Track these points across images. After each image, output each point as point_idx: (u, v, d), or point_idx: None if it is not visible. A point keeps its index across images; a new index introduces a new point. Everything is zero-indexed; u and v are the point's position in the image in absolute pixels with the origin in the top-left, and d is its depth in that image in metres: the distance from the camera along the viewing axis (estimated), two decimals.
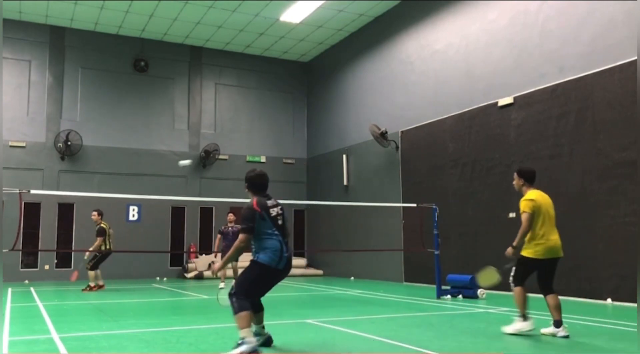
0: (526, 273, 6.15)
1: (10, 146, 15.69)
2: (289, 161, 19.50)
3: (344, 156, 17.19)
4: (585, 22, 10.05)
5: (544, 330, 6.05)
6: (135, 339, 5.91)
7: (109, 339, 5.94)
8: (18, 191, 8.45)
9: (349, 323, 6.84)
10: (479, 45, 12.47)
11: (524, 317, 5.99)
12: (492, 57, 12.10)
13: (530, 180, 6.25)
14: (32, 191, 9.26)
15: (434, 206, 10.76)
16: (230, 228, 12.72)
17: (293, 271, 17.66)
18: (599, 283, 9.38)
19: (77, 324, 7.12)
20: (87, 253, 12.46)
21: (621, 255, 9.02)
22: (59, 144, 16.12)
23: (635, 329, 6.19)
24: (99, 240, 12.24)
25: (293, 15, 15.62)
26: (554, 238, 6.10)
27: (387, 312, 8.38)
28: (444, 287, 10.46)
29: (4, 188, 8.24)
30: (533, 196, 6.09)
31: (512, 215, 11.04)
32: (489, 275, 6.68)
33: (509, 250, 6.18)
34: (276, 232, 5.04)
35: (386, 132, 14.98)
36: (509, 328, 6.05)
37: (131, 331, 6.56)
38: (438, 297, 10.10)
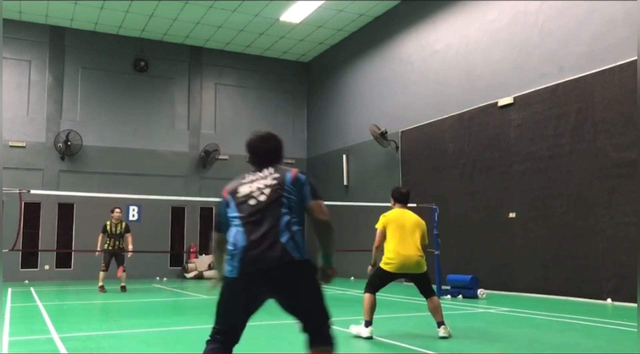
0: (378, 284, 6.18)
1: (10, 146, 15.69)
2: (289, 161, 19.48)
3: (344, 156, 17.19)
4: (585, 22, 10.05)
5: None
6: (135, 339, 5.91)
7: (109, 339, 5.94)
8: (18, 191, 8.46)
9: (349, 323, 6.82)
10: (479, 45, 12.47)
11: (367, 323, 5.93)
12: (492, 57, 12.10)
13: (399, 200, 6.48)
14: (32, 191, 9.29)
15: (434, 206, 10.76)
16: None
17: None
18: (599, 283, 9.38)
19: (77, 324, 7.12)
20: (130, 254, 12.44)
21: (621, 255, 9.02)
22: (59, 144, 16.12)
23: (635, 329, 6.19)
24: (129, 237, 12.14)
25: (293, 15, 15.61)
26: (405, 253, 5.99)
27: (387, 312, 8.38)
28: (444, 287, 10.46)
29: (4, 188, 8.24)
30: (387, 213, 6.28)
31: (512, 215, 11.05)
32: None
33: (369, 269, 6.35)
34: (236, 219, 3.14)
35: (386, 132, 14.98)
36: (354, 328, 6.09)
37: (131, 331, 6.56)
38: (438, 297, 10.09)
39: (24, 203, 9.60)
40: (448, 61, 13.36)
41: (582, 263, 9.68)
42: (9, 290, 12.21)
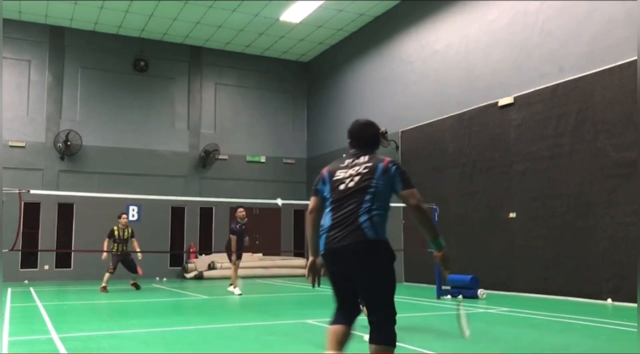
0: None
1: (10, 146, 15.69)
2: (289, 161, 19.49)
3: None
4: (585, 22, 10.05)
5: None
6: (135, 339, 5.91)
7: (109, 339, 5.94)
8: (18, 191, 8.45)
9: None
10: (479, 45, 12.47)
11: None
12: (492, 57, 12.10)
13: None
14: (32, 191, 9.26)
15: (434, 206, 10.76)
16: (243, 226, 11.57)
17: (293, 271, 17.85)
18: (599, 283, 9.38)
19: (77, 324, 7.12)
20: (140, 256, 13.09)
21: (621, 255, 9.02)
22: (59, 144, 16.11)
23: (635, 329, 6.18)
24: (135, 242, 12.74)
25: (293, 15, 15.61)
26: None
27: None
28: (444, 287, 10.46)
29: (4, 188, 8.24)
30: None
31: (512, 215, 11.05)
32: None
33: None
34: (329, 201, 3.47)
35: (386, 132, 14.97)
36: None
37: (131, 331, 6.56)
38: (438, 297, 10.10)
39: (24, 203, 9.60)
40: (448, 61, 13.36)
41: (582, 263, 9.68)
42: (9, 290, 12.21)
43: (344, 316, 3.39)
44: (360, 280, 3.30)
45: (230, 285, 11.69)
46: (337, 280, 3.41)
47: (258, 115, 19.26)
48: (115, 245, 12.34)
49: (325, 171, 3.59)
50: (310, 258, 3.55)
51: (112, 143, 17.04)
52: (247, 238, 11.81)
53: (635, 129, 8.81)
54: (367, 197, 3.32)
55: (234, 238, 11.42)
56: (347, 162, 3.57)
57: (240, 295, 11.14)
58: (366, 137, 3.70)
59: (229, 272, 12.96)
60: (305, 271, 3.63)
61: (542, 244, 10.45)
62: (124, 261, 12.47)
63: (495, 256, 11.46)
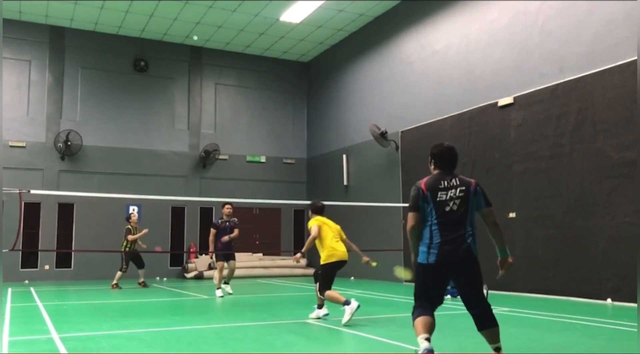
0: (328, 280, 7.38)
1: (10, 146, 15.69)
2: (289, 161, 19.50)
3: (344, 156, 17.19)
4: (585, 22, 10.05)
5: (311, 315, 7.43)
6: (135, 339, 5.91)
7: (109, 339, 5.94)
8: (18, 191, 8.46)
9: (349, 323, 6.83)
10: (479, 45, 12.47)
11: (320, 306, 7.39)
12: (492, 57, 12.10)
13: (316, 212, 7.74)
14: (32, 191, 9.29)
15: None
16: (227, 223, 11.13)
17: (293, 271, 17.85)
18: (599, 283, 9.38)
19: (77, 324, 7.12)
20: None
21: (621, 255, 9.02)
22: (59, 144, 16.12)
23: (635, 329, 6.18)
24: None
25: (293, 15, 15.62)
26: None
27: (387, 312, 8.38)
28: None
29: (4, 188, 8.24)
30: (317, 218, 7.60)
31: (512, 215, 11.05)
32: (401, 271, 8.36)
33: (297, 255, 7.73)
34: (433, 218, 4.18)
35: (386, 132, 14.98)
36: (312, 314, 7.42)
37: (131, 331, 6.56)
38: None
39: (24, 203, 9.61)
40: (448, 61, 13.36)
41: (582, 263, 9.68)
42: (9, 290, 12.22)
43: (429, 309, 4.20)
44: (466, 281, 4.22)
45: (218, 288, 11.05)
46: (436, 283, 4.23)
47: (258, 115, 19.26)
48: (130, 243, 13.13)
49: (424, 187, 4.21)
50: (414, 260, 4.32)
51: (112, 143, 17.05)
52: (232, 235, 10.98)
53: (635, 129, 8.82)
54: (468, 218, 4.16)
55: (212, 232, 11.22)
56: (443, 182, 4.22)
57: (221, 296, 10.67)
58: (452, 158, 4.37)
59: (225, 272, 12.70)
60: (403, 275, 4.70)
61: (542, 244, 10.45)
62: (134, 258, 13.24)
63: (495, 256, 11.42)
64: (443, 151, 4.36)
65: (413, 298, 4.31)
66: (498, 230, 4.24)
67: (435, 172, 4.32)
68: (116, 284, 12.94)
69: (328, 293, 7.14)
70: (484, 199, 4.22)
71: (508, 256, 4.26)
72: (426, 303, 4.20)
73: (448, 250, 4.06)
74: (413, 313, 4.23)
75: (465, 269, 4.13)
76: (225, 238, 10.99)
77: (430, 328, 4.09)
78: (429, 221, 4.14)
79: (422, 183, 4.22)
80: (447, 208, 4.12)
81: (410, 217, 4.19)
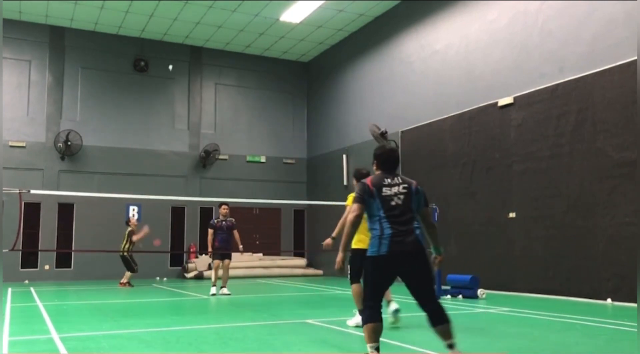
0: (361, 269, 6.19)
1: (10, 146, 15.69)
2: (289, 161, 19.50)
3: (344, 156, 17.19)
4: (585, 22, 10.05)
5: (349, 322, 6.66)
6: (135, 339, 5.91)
7: (109, 339, 5.94)
8: (18, 191, 8.46)
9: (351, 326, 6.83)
10: (479, 45, 12.47)
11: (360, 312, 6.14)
12: (492, 57, 12.10)
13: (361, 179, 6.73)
14: (32, 191, 9.29)
15: (434, 206, 10.76)
16: (223, 222, 11.42)
17: (293, 271, 17.85)
18: (599, 283, 9.38)
19: (77, 324, 7.12)
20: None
21: (621, 255, 9.02)
22: (59, 144, 16.12)
23: (635, 329, 6.18)
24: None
25: (293, 15, 15.61)
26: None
27: (387, 312, 8.37)
28: (444, 287, 10.46)
29: (4, 188, 8.24)
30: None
31: (512, 215, 11.05)
32: None
33: (328, 241, 6.85)
34: (380, 212, 4.31)
35: (386, 132, 14.97)
36: (351, 322, 6.49)
37: (131, 331, 6.56)
38: (438, 297, 10.09)
39: (24, 203, 9.61)
40: (448, 61, 13.35)
41: (582, 263, 9.68)
42: (9, 290, 12.22)
43: (379, 312, 4.25)
44: (415, 277, 4.27)
45: (213, 285, 11.31)
46: (386, 276, 4.28)
47: (258, 115, 19.26)
48: (132, 244, 13.37)
49: (370, 184, 4.35)
50: (342, 254, 4.40)
51: (112, 143, 17.05)
52: (237, 238, 11.37)
53: (635, 129, 8.82)
54: (412, 212, 4.31)
55: (210, 232, 11.51)
56: (387, 180, 4.38)
57: (213, 294, 10.96)
58: (395, 160, 4.59)
59: (229, 272, 12.84)
60: (337, 263, 4.43)
61: (542, 244, 10.46)
62: (125, 258, 13.43)
63: (495, 256, 11.46)
64: (386, 153, 4.59)
65: (364, 297, 4.34)
66: (435, 231, 4.47)
67: (378, 172, 4.53)
68: (128, 282, 13.11)
69: (355, 287, 6.45)
70: (424, 199, 4.41)
71: (441, 254, 4.52)
72: (376, 302, 4.28)
73: (398, 241, 4.17)
74: (363, 313, 4.32)
75: (416, 261, 4.21)
76: (240, 247, 11.48)
77: (379, 335, 4.27)
78: (377, 215, 4.28)
79: (368, 180, 4.42)
80: (393, 203, 4.28)
81: (356, 207, 4.33)
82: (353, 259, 6.49)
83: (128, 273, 13.23)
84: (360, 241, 6.33)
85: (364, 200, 4.34)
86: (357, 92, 16.95)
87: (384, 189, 4.32)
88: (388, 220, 4.23)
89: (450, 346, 4.18)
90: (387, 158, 4.56)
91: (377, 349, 4.24)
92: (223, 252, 11.37)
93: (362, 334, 6.04)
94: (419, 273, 4.24)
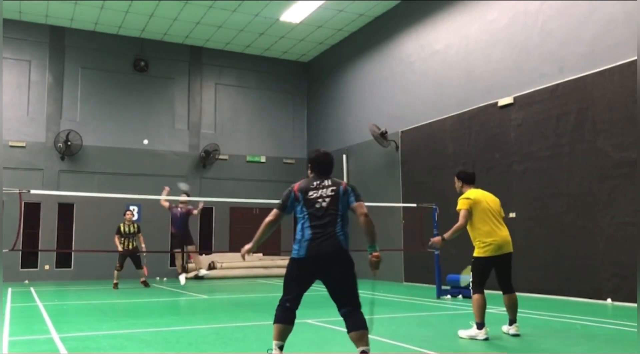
0: (483, 276, 6.04)
1: (10, 146, 15.69)
2: (289, 161, 19.50)
3: (344, 156, 17.19)
4: (585, 22, 10.05)
5: (503, 328, 6.21)
6: (135, 339, 5.91)
7: (109, 339, 5.94)
8: (18, 191, 8.45)
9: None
10: (479, 45, 12.47)
11: (480, 325, 5.84)
12: (492, 57, 12.10)
13: (468, 181, 6.44)
14: (32, 191, 9.27)
15: (434, 206, 10.76)
16: (178, 209, 12.03)
17: None
18: (599, 283, 9.38)
19: (77, 324, 7.12)
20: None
21: (621, 255, 9.02)
22: (59, 144, 16.12)
23: (635, 330, 6.19)
24: (141, 237, 13.54)
25: (293, 15, 15.62)
26: (502, 234, 6.05)
27: (387, 312, 8.38)
28: (444, 287, 10.46)
29: (4, 188, 8.24)
30: (469, 195, 6.18)
31: (512, 215, 11.05)
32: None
33: (437, 238, 6.32)
34: (304, 215, 4.39)
35: (386, 132, 14.98)
36: (463, 333, 5.95)
37: (131, 331, 6.56)
38: (438, 297, 10.10)
39: (24, 203, 9.60)
40: (448, 61, 13.35)
41: (582, 263, 9.68)
42: (9, 290, 12.22)
43: (293, 309, 4.33)
44: (335, 280, 4.27)
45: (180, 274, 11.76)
46: (304, 278, 4.33)
47: (258, 115, 19.26)
48: (123, 239, 13.12)
49: (296, 189, 4.44)
50: (251, 246, 4.67)
51: (112, 143, 17.05)
52: (197, 209, 11.84)
53: (635, 129, 8.81)
54: (338, 215, 4.32)
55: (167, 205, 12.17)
56: (315, 183, 4.44)
57: (184, 284, 11.67)
58: (327, 164, 4.62)
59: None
60: (243, 252, 4.68)
61: (542, 244, 10.45)
62: (132, 257, 13.21)
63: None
64: (319, 157, 4.64)
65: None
66: (369, 224, 4.31)
67: (311, 175, 4.60)
68: (115, 283, 12.97)
69: (476, 298, 5.92)
70: (354, 195, 4.40)
71: (376, 250, 4.31)
72: (293, 304, 4.35)
73: (317, 244, 4.23)
74: (276, 311, 4.39)
75: (336, 264, 4.24)
76: (194, 210, 11.88)
77: (286, 336, 4.35)
78: (301, 219, 4.37)
79: (296, 185, 4.51)
80: (318, 205, 4.34)
81: (273, 213, 4.51)
82: (475, 266, 6.15)
83: (115, 273, 13.04)
84: (479, 249, 6.12)
85: (285, 207, 4.47)
86: (357, 92, 16.95)
87: (310, 192, 4.40)
88: (310, 223, 4.31)
89: (363, 353, 4.10)
90: (320, 162, 4.61)
91: (281, 348, 4.30)
92: (181, 240, 11.85)
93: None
94: (338, 276, 4.26)
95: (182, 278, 11.44)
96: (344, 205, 4.36)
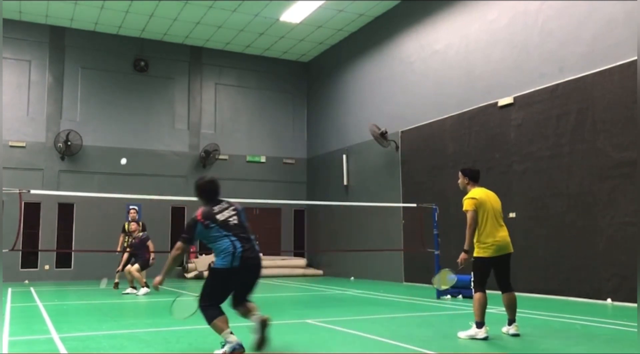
0: (484, 276, 6.01)
1: (10, 146, 15.69)
2: (289, 161, 19.50)
3: (344, 156, 17.19)
4: (585, 22, 10.05)
5: (503, 329, 6.14)
6: (135, 339, 5.91)
7: (109, 339, 5.94)
8: (18, 191, 8.45)
9: (349, 323, 6.83)
10: (479, 45, 12.47)
11: (479, 324, 5.80)
12: (492, 57, 12.10)
13: (473, 178, 6.37)
14: (32, 191, 9.27)
15: (434, 206, 10.76)
16: (133, 240, 12.33)
17: (293, 271, 17.84)
18: (599, 283, 9.38)
19: (77, 324, 7.12)
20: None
21: (621, 255, 9.02)
22: (59, 144, 16.12)
23: (635, 330, 6.19)
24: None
25: (293, 15, 15.62)
26: (503, 235, 6.03)
27: (387, 312, 8.38)
28: (443, 287, 10.44)
29: (4, 188, 8.24)
30: (475, 195, 6.14)
31: (512, 215, 11.05)
32: (443, 277, 6.93)
33: (463, 256, 6.08)
34: (225, 233, 4.85)
35: (386, 132, 14.98)
36: (463, 334, 5.88)
37: (131, 331, 6.57)
38: (438, 297, 10.10)
39: (24, 203, 9.60)
40: (448, 61, 13.35)
41: (582, 263, 9.68)
42: (9, 290, 12.22)
43: (219, 307, 4.91)
44: (249, 284, 5.04)
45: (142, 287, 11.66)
46: (233, 285, 4.94)
47: (258, 115, 19.26)
48: (127, 238, 12.92)
49: (201, 218, 4.86)
50: (162, 277, 5.25)
51: (112, 143, 17.04)
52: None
53: (635, 129, 8.82)
54: (249, 229, 5.00)
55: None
56: (216, 208, 4.94)
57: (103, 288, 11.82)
58: (217, 189, 5.16)
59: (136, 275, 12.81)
60: (156, 284, 5.28)
61: (542, 244, 10.45)
62: (136, 257, 12.85)
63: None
64: (204, 185, 5.10)
65: (202, 297, 4.91)
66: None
67: (205, 202, 5.01)
68: (116, 283, 12.84)
69: (478, 296, 5.87)
70: (244, 215, 5.07)
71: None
72: (219, 303, 4.89)
73: (248, 256, 4.82)
74: (206, 311, 4.87)
75: (258, 271, 4.98)
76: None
77: (228, 323, 4.86)
78: (222, 237, 4.81)
79: (198, 214, 4.88)
80: (232, 223, 4.88)
81: (179, 246, 4.96)
82: (476, 266, 6.07)
83: (118, 274, 12.79)
84: (480, 249, 6.06)
85: (191, 240, 4.94)
86: (357, 92, 16.95)
87: (218, 215, 4.86)
88: (237, 238, 4.82)
89: (256, 317, 4.90)
90: (208, 190, 5.06)
91: (232, 332, 4.79)
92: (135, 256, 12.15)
93: (363, 334, 6.05)
94: (254, 281, 5.01)
95: (104, 281, 11.74)
96: (244, 219, 5.00)
